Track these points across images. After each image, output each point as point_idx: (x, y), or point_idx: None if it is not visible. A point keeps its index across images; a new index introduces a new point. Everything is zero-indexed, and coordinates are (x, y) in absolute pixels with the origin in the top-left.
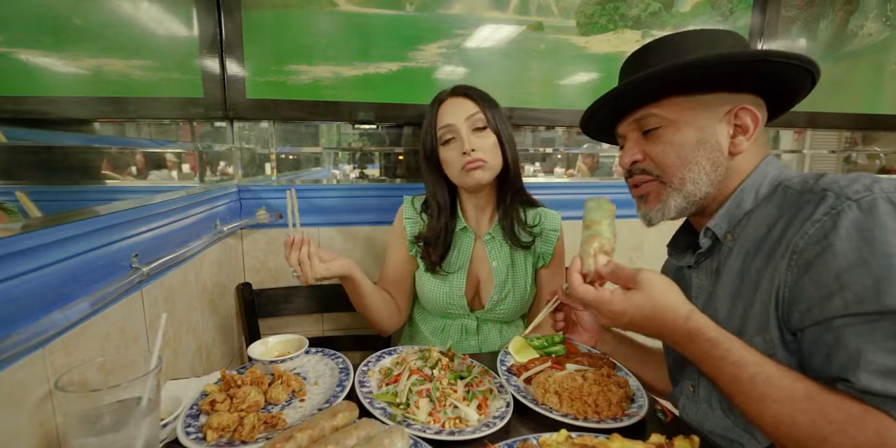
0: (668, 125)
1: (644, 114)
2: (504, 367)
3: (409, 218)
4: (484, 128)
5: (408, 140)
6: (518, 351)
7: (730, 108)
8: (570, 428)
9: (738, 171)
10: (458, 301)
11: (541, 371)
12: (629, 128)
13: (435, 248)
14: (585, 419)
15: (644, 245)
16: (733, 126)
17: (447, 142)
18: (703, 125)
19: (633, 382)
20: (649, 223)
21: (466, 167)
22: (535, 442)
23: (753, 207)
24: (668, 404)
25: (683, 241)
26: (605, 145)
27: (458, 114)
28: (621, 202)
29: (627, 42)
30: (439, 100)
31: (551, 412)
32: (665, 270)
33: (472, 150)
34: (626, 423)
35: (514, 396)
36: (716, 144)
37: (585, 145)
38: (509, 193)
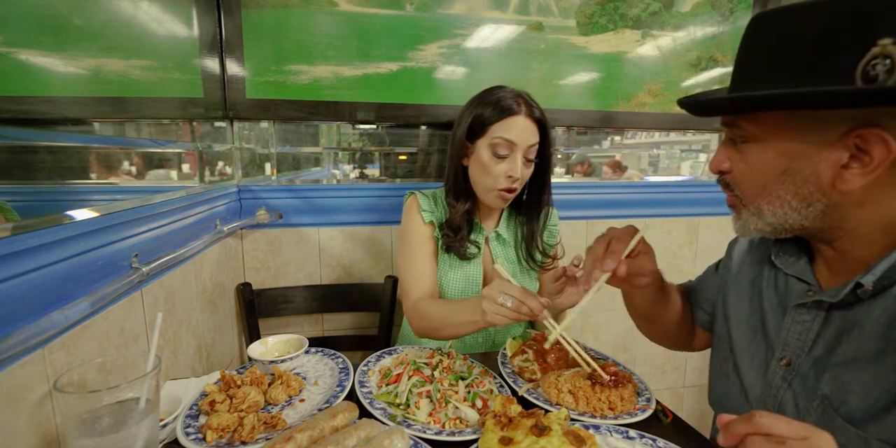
0: (755, 141)
1: (731, 120)
2: (508, 370)
3: (428, 211)
4: (532, 160)
5: (412, 140)
6: (513, 352)
7: (851, 128)
8: (586, 426)
9: (868, 207)
10: (475, 290)
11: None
12: (724, 124)
13: (462, 230)
14: (603, 416)
15: None
16: (852, 150)
17: (499, 155)
18: (796, 151)
19: (636, 376)
20: (736, 233)
21: (499, 191)
22: None
23: None
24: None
25: (795, 245)
26: (605, 145)
27: (523, 137)
28: (615, 202)
29: (627, 42)
30: (511, 109)
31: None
32: (738, 256)
33: (517, 180)
34: (640, 417)
35: (527, 400)
36: (810, 176)
37: (581, 148)
38: (534, 219)
